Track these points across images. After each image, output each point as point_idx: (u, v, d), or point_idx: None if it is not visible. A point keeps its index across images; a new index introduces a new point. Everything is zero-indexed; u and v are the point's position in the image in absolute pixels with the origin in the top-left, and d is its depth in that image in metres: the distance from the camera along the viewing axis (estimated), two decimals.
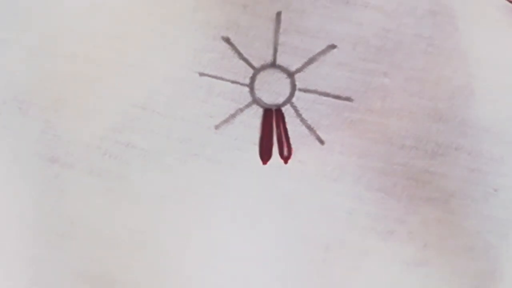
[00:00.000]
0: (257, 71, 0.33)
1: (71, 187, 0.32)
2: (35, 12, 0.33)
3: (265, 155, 0.32)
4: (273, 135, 0.32)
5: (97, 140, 0.32)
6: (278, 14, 0.33)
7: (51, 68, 0.33)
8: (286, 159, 0.32)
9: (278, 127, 0.32)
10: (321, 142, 0.32)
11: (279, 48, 0.33)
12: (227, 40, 0.33)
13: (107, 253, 0.32)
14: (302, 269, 0.32)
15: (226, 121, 0.32)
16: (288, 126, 0.32)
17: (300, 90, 0.33)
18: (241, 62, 0.33)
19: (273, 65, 0.33)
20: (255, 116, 0.32)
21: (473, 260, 0.32)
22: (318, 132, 0.32)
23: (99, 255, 0.32)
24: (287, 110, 0.32)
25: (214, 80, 0.33)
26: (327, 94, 0.32)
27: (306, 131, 0.32)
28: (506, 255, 0.32)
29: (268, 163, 0.32)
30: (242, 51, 0.33)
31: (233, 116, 0.32)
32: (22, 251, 0.32)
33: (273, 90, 0.32)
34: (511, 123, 0.32)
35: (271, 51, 0.33)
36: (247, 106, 0.32)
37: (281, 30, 0.33)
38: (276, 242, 0.32)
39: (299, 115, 0.32)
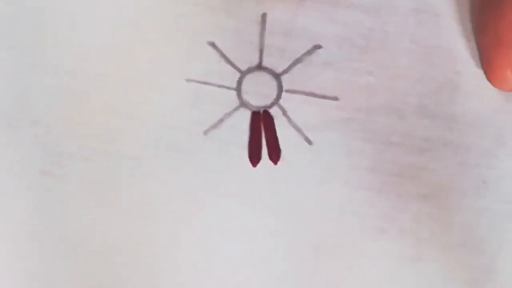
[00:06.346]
0: (243, 74, 0.33)
1: (63, 200, 0.32)
2: (21, 27, 0.33)
3: (254, 158, 0.32)
4: (261, 137, 0.32)
5: (87, 151, 0.33)
6: (264, 16, 0.33)
7: (38, 83, 0.33)
8: (275, 161, 0.32)
9: (266, 129, 0.32)
10: (309, 142, 0.32)
11: (265, 50, 0.33)
12: (212, 45, 0.33)
13: (102, 264, 0.32)
14: (294, 270, 0.32)
15: (214, 126, 0.33)
16: (277, 128, 0.32)
17: (287, 91, 0.33)
18: (228, 66, 0.33)
19: (259, 67, 0.33)
20: (243, 120, 0.32)
21: (467, 254, 0.32)
22: (306, 133, 0.32)
23: (94, 267, 0.32)
24: (274, 112, 0.33)
25: (201, 85, 0.33)
26: (313, 94, 0.33)
27: (294, 132, 0.32)
28: (500, 248, 0.32)
29: (258, 165, 0.32)
30: (228, 55, 0.33)
31: (221, 120, 0.33)
32: (16, 267, 0.33)
33: (260, 92, 0.33)
34: (497, 116, 0.32)
35: (257, 54, 0.33)
36: (235, 109, 0.33)
37: (266, 32, 0.33)
38: (267, 244, 0.32)
39: (286, 116, 0.32)
